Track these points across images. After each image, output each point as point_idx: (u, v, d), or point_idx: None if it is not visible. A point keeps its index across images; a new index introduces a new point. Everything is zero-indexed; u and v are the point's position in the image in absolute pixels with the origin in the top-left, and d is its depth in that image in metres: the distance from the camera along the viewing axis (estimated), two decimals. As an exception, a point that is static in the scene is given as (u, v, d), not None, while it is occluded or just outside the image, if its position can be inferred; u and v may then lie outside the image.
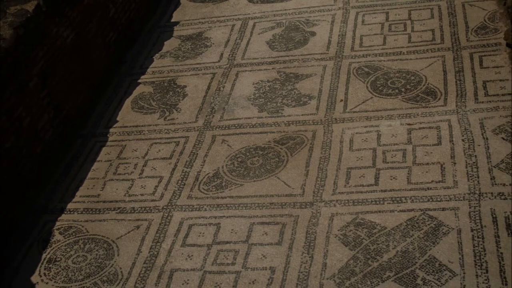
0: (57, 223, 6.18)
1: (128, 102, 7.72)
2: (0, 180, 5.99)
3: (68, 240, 5.98)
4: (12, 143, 6.17)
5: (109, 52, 8.25)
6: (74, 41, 7.39)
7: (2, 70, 6.08)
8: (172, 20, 9.24)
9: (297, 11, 8.78)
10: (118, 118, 7.47)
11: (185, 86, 7.77)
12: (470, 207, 5.39)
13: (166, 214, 6.03)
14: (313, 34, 8.22)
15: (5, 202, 6.07)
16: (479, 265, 4.90)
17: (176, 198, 6.19)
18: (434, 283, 4.85)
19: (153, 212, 6.08)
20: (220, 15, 9.07)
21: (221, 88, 7.60)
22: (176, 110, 7.40)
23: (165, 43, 8.70)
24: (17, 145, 6.25)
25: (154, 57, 8.45)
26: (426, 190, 5.65)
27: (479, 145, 5.96)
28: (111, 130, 7.31)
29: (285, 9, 8.86)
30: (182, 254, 5.59)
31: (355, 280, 5.02)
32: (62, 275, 5.62)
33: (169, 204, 6.14)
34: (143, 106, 7.60)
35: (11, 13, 6.61)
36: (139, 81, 8.05)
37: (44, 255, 5.85)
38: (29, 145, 6.45)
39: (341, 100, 6.98)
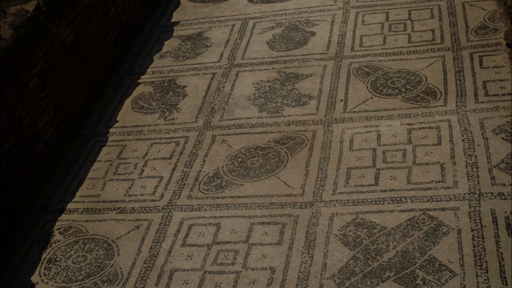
0: (57, 223, 6.18)
1: (128, 102, 7.72)
2: (0, 180, 5.99)
3: (68, 240, 5.97)
4: (12, 143, 6.17)
5: (109, 52, 8.25)
6: (74, 41, 7.39)
7: (2, 70, 6.08)
8: (172, 20, 9.24)
9: (297, 11, 8.78)
10: (118, 118, 7.47)
11: (185, 86, 7.77)
12: (470, 207, 5.39)
13: (166, 214, 6.03)
14: (313, 34, 8.22)
15: (5, 202, 6.07)
16: (479, 265, 4.90)
17: (176, 198, 6.19)
18: (434, 283, 4.85)
19: (153, 212, 6.08)
20: (220, 15, 9.07)
21: (221, 88, 7.60)
22: (176, 110, 7.40)
23: (165, 43, 8.70)
24: (17, 145, 6.25)
25: (154, 57, 8.46)
26: (426, 190, 5.65)
27: (479, 145, 5.96)
28: (111, 130, 7.31)
29: (285, 9, 8.87)
30: (182, 254, 5.59)
31: (355, 280, 5.02)
32: (62, 275, 5.62)
33: (169, 204, 6.14)
34: (143, 106, 7.60)
35: (11, 13, 6.61)
36: (139, 81, 8.05)
37: (44, 255, 5.85)
38: (29, 145, 6.45)
39: (341, 100, 6.98)
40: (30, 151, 6.46)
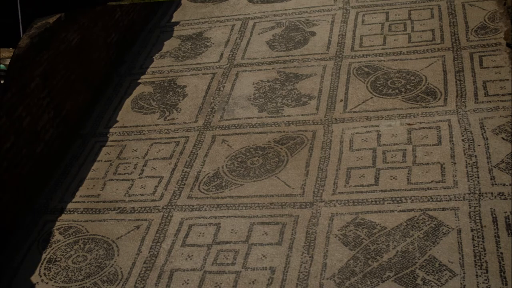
0: (57, 223, 6.18)
1: (128, 102, 7.72)
2: (0, 180, 5.99)
3: (68, 240, 5.97)
4: (12, 143, 6.17)
5: (109, 52, 8.26)
6: (78, 43, 7.44)
7: (9, 74, 6.14)
8: (173, 20, 9.24)
9: (297, 11, 8.78)
10: (118, 118, 7.47)
11: (185, 86, 7.77)
12: (470, 207, 5.39)
13: (166, 214, 6.03)
14: (313, 34, 8.22)
15: (5, 202, 6.07)
16: (479, 265, 4.90)
17: (176, 198, 6.19)
18: (434, 283, 4.85)
19: (153, 212, 6.08)
20: (220, 15, 9.08)
21: (221, 88, 7.60)
22: (176, 110, 7.40)
23: (165, 43, 8.71)
24: (17, 145, 6.25)
25: (154, 57, 8.46)
26: (426, 190, 5.65)
27: (479, 145, 5.96)
28: (111, 130, 7.31)
29: (285, 9, 8.87)
30: (182, 254, 5.59)
31: (355, 280, 5.02)
32: (62, 275, 5.62)
33: (169, 204, 6.14)
34: (143, 106, 7.60)
35: (35, 26, 6.90)
36: (139, 81, 8.05)
37: (44, 255, 5.85)
38: (29, 145, 6.45)
39: (341, 100, 6.98)
40: (30, 151, 6.46)
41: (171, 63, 8.27)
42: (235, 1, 9.34)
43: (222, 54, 8.23)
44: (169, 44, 8.68)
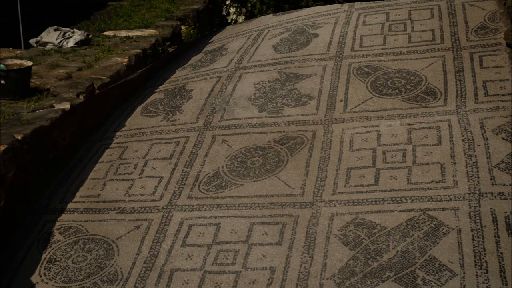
0: (57, 223, 6.18)
1: (139, 108, 7.76)
2: (4, 180, 5.98)
3: (68, 240, 5.97)
4: (31, 156, 6.17)
5: (147, 74, 8.49)
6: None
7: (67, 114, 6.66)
8: (210, 40, 9.45)
9: (307, 16, 8.95)
10: (126, 123, 7.49)
11: (191, 90, 7.82)
12: (470, 207, 5.39)
13: (166, 214, 6.03)
14: (316, 35, 8.26)
15: (5, 202, 6.06)
16: (479, 265, 4.90)
17: (176, 198, 6.19)
18: (434, 283, 4.85)
19: (153, 212, 6.08)
20: (246, 29, 9.25)
21: (224, 90, 7.61)
22: (179, 112, 7.41)
23: (192, 58, 8.91)
24: (35, 154, 6.26)
25: (176, 70, 8.61)
26: (426, 190, 5.65)
27: (479, 145, 5.96)
28: (117, 133, 7.32)
29: (298, 16, 9.04)
30: (182, 254, 5.59)
31: (355, 280, 5.02)
32: (62, 275, 5.62)
33: (169, 204, 6.14)
34: (151, 110, 7.63)
35: None
36: (156, 90, 8.11)
37: (44, 255, 5.85)
38: (45, 154, 6.46)
39: (341, 100, 6.98)
40: (44, 158, 6.46)
41: (187, 73, 8.36)
42: (263, 17, 9.64)
43: (231, 60, 8.29)
44: (194, 58, 8.87)
